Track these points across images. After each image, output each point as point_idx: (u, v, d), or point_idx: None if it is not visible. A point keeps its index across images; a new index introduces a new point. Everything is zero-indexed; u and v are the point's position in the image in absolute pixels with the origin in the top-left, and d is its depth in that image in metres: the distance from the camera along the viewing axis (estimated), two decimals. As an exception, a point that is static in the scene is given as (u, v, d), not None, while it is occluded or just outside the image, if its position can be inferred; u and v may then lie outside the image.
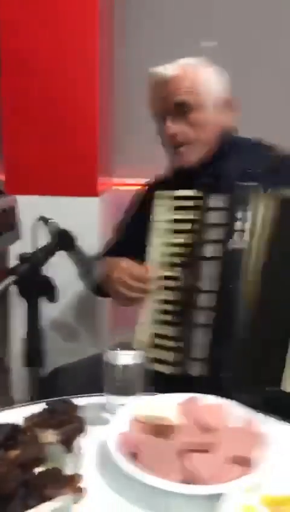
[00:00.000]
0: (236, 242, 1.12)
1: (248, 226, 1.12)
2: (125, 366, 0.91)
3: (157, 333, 1.21)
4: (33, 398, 1.21)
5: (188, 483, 0.74)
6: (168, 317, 1.20)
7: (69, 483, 0.70)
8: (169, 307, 1.20)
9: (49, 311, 1.22)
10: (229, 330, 1.11)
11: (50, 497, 0.68)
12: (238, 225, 1.12)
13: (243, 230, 1.12)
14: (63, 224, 1.25)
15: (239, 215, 1.12)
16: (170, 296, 1.20)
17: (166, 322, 1.20)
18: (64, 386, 1.21)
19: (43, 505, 0.66)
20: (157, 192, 1.26)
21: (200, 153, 1.32)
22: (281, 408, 0.99)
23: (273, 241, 1.11)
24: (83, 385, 1.08)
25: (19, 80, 1.93)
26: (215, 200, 1.15)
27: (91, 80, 1.94)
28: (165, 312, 1.21)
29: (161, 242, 1.24)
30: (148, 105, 1.36)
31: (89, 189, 2.02)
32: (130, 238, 1.43)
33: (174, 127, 1.29)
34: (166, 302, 1.21)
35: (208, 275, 1.14)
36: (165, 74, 1.28)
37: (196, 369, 1.12)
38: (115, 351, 0.93)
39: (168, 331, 1.19)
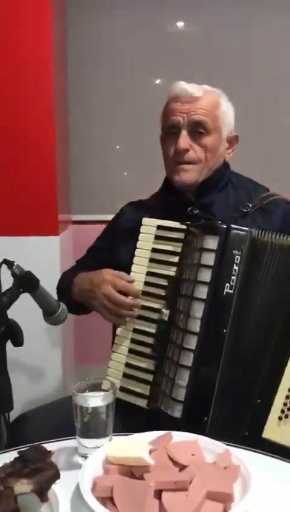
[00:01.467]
0: (227, 286, 1.12)
1: (237, 270, 1.12)
2: (95, 408, 0.91)
3: (133, 364, 1.21)
4: (2, 446, 1.19)
5: (166, 524, 0.74)
6: (146, 350, 1.20)
7: (46, 534, 0.68)
8: (148, 339, 1.20)
9: (15, 352, 1.20)
10: (211, 374, 1.11)
11: None
12: (229, 269, 1.12)
13: (233, 275, 1.12)
14: (24, 263, 1.24)
15: (231, 258, 1.12)
16: (149, 327, 1.20)
17: (143, 354, 1.20)
18: (32, 432, 1.17)
19: None
20: (144, 219, 1.27)
21: (202, 176, 1.34)
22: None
23: (253, 287, 1.12)
24: (51, 429, 1.06)
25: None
26: (210, 241, 1.14)
27: (47, 119, 1.98)
28: (143, 344, 1.20)
29: (144, 270, 1.24)
30: (163, 115, 1.38)
31: (49, 228, 2.03)
32: (109, 255, 1.42)
33: (187, 142, 1.30)
34: (145, 333, 1.21)
35: (195, 315, 1.13)
36: (192, 92, 1.30)
37: (174, 411, 1.11)
38: (84, 394, 0.92)
39: (145, 363, 1.19)
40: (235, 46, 2.37)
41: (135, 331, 1.23)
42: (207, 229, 1.16)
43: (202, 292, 1.13)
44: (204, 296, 1.12)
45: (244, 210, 1.30)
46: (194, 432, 0.96)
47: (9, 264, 1.17)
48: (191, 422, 1.04)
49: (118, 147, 2.47)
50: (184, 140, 1.30)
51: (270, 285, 1.11)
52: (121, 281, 1.23)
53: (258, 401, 1.09)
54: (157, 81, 2.48)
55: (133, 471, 0.83)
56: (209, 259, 1.13)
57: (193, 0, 2.36)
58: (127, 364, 1.22)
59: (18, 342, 1.14)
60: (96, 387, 0.95)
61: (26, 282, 1.18)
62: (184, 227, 1.20)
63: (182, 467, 0.85)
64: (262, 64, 2.38)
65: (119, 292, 1.22)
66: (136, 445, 0.87)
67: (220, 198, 1.35)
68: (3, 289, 1.16)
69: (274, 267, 1.11)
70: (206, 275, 1.13)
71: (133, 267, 1.25)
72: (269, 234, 1.13)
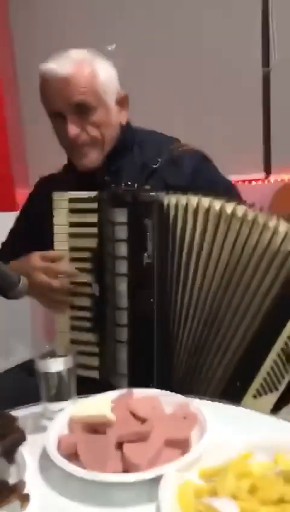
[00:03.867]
0: (145, 257, 1.12)
1: (152, 237, 1.12)
2: (57, 373, 0.94)
3: (78, 340, 1.21)
4: None
5: (128, 473, 0.79)
6: (87, 324, 1.20)
7: (14, 492, 0.72)
8: (85, 314, 1.20)
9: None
10: (148, 344, 1.14)
11: (-3, 508, 0.71)
12: (143, 238, 1.12)
13: (148, 244, 1.12)
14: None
15: (143, 227, 1.12)
16: (84, 302, 1.20)
17: (85, 329, 1.21)
18: None
19: (-10, 517, 0.69)
20: (54, 194, 1.22)
21: (104, 152, 1.30)
22: None
23: (180, 251, 1.12)
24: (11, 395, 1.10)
25: None
26: (119, 214, 1.13)
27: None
28: (82, 319, 1.21)
29: (66, 246, 1.21)
30: (41, 98, 1.27)
31: (8, 203, 2.01)
32: (30, 237, 1.38)
33: (75, 128, 1.23)
34: (81, 308, 1.21)
35: (121, 291, 1.14)
36: (60, 73, 1.20)
37: (122, 384, 1.15)
38: (46, 359, 0.96)
39: (88, 337, 1.20)
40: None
41: (72, 307, 1.22)
42: (114, 201, 1.14)
43: (122, 267, 1.14)
44: (125, 271, 1.13)
45: (154, 166, 1.27)
46: None
47: None
48: None
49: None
50: (72, 127, 1.23)
51: (192, 246, 1.11)
52: (53, 266, 1.19)
53: (238, 383, 1.12)
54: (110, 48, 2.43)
55: (96, 428, 0.88)
56: (122, 232, 1.13)
57: None
58: (72, 341, 1.22)
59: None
60: (56, 354, 0.99)
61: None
62: (95, 195, 1.18)
63: (143, 420, 0.90)
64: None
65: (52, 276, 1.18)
66: (99, 404, 0.92)
67: (126, 161, 1.31)
68: None
69: (187, 229, 1.11)
70: (122, 249, 1.13)
71: (56, 245, 1.22)
72: (176, 196, 1.11)
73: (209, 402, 1.01)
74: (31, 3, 2.27)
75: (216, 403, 1.02)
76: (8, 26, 2.22)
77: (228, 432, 0.88)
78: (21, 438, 0.83)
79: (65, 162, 1.44)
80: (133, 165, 1.31)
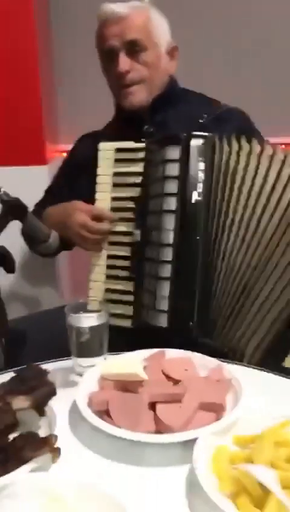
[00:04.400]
0: (195, 194, 1.11)
1: (203, 177, 1.11)
2: (90, 328, 0.92)
3: (113, 289, 1.21)
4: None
5: (160, 433, 0.77)
6: (124, 273, 1.20)
7: (45, 444, 0.71)
8: (123, 263, 1.20)
9: (8, 281, 1.20)
10: (191, 282, 1.12)
11: (28, 460, 0.69)
12: (194, 177, 1.11)
13: (199, 182, 1.11)
14: (13, 195, 1.22)
15: (195, 166, 1.11)
16: (123, 251, 1.20)
17: (121, 277, 1.20)
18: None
19: (22, 468, 0.68)
20: (100, 144, 1.23)
21: (151, 94, 1.33)
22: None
23: (230, 192, 1.10)
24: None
25: None
26: (171, 151, 1.13)
27: (30, 43, 1.88)
28: (120, 267, 1.21)
29: (108, 196, 1.21)
30: (96, 43, 1.34)
31: (38, 158, 1.98)
32: (70, 191, 1.39)
33: (127, 63, 1.28)
34: (119, 257, 1.21)
35: (167, 228, 1.13)
36: (119, 12, 1.28)
37: (160, 320, 1.13)
38: (78, 314, 0.93)
39: (124, 285, 1.19)
40: None
41: (109, 257, 1.22)
42: (167, 140, 1.14)
43: (171, 204, 1.12)
44: (173, 208, 1.12)
45: (200, 121, 1.29)
46: (182, 337, 1.01)
47: (-4, 190, 1.14)
48: (178, 329, 1.06)
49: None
50: (123, 61, 1.28)
51: (241, 189, 1.09)
52: (95, 207, 1.21)
53: None
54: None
55: (127, 387, 0.86)
56: (173, 169, 1.12)
57: None
58: (107, 290, 1.21)
59: (10, 268, 1.13)
60: (87, 308, 0.96)
61: (14, 209, 1.16)
62: (143, 145, 1.18)
63: (176, 382, 0.88)
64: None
65: (93, 219, 1.20)
66: (131, 362, 0.90)
67: (173, 113, 1.34)
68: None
69: (238, 171, 1.09)
70: (172, 186, 1.12)
71: (97, 195, 1.22)
72: (229, 139, 1.11)
73: (244, 367, 0.99)
74: None
75: (251, 369, 0.99)
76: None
77: (263, 399, 0.85)
78: (52, 392, 0.81)
79: (95, 120, 1.44)
80: (180, 118, 1.32)
